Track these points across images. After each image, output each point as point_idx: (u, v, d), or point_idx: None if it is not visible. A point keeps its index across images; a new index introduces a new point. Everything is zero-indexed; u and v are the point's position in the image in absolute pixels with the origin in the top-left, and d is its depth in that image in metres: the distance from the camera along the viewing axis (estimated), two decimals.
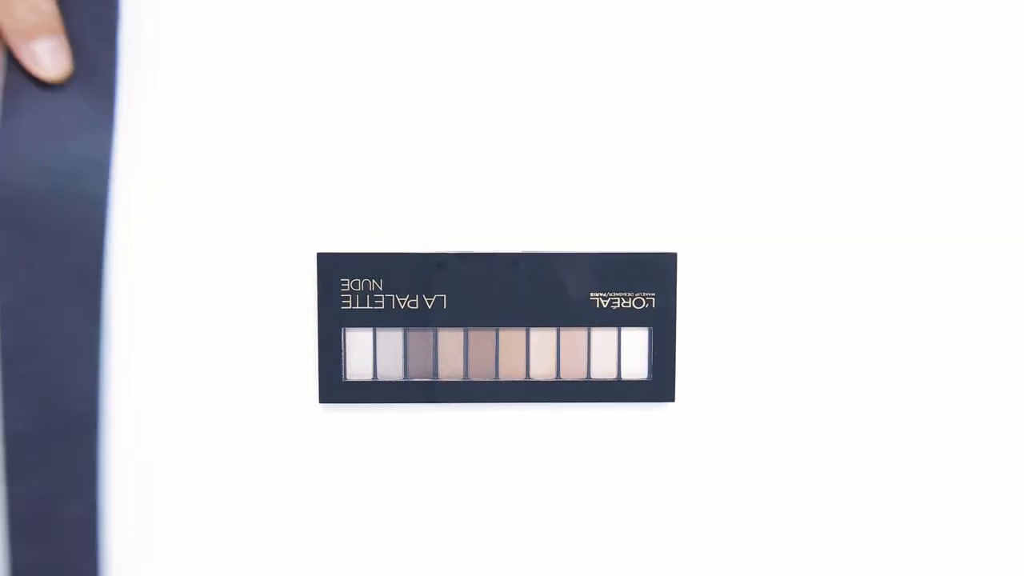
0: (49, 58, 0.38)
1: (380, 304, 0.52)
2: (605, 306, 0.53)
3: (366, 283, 0.52)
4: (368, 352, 0.53)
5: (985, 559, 0.55)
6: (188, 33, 0.51)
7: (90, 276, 0.41)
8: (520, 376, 0.53)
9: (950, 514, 0.55)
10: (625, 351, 0.53)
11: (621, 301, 0.53)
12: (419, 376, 0.53)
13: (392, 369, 0.53)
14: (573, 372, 0.53)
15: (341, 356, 0.52)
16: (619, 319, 0.53)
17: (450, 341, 0.53)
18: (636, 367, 0.53)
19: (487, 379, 0.53)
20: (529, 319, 0.53)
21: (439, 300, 0.52)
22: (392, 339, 0.53)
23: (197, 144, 0.52)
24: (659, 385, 0.53)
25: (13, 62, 0.40)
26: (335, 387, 0.53)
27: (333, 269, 0.52)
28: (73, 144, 0.40)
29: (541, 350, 0.53)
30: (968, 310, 0.54)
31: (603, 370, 0.53)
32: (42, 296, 0.41)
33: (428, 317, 0.52)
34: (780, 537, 0.55)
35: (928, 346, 0.54)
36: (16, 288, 0.41)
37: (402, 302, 0.52)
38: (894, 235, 0.54)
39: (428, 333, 0.53)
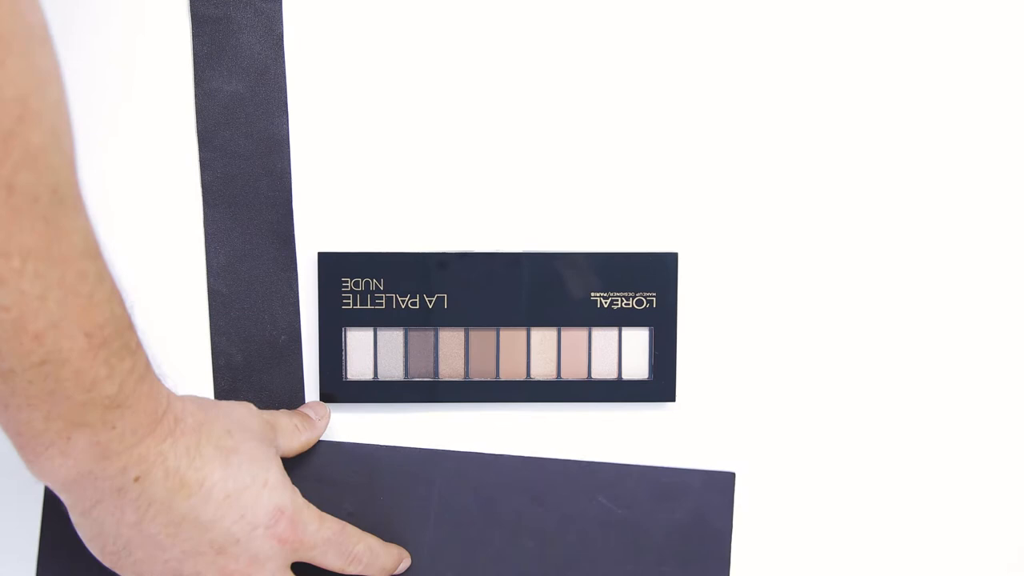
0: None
1: (381, 304, 0.52)
2: (606, 306, 0.53)
3: (367, 283, 0.52)
4: (369, 352, 0.53)
5: (986, 558, 0.55)
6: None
7: (282, 233, 0.52)
8: (521, 376, 0.53)
9: (950, 516, 0.55)
10: (626, 351, 0.53)
11: (622, 301, 0.53)
12: (420, 376, 0.53)
13: (393, 369, 0.53)
14: (574, 372, 0.53)
15: (342, 356, 0.52)
16: (620, 319, 0.53)
17: (451, 341, 0.53)
18: (637, 367, 0.53)
19: (488, 379, 0.53)
20: (530, 319, 0.53)
21: (440, 300, 0.52)
22: (393, 339, 0.53)
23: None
24: (660, 385, 0.53)
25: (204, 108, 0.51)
26: (336, 387, 0.52)
27: (334, 268, 0.52)
28: (257, 130, 0.51)
29: (542, 350, 0.53)
30: (970, 312, 0.54)
31: (604, 370, 0.53)
32: (246, 253, 0.51)
33: (429, 317, 0.52)
34: (780, 535, 0.55)
35: (929, 343, 0.54)
36: (227, 249, 0.51)
37: (403, 302, 0.52)
38: (895, 235, 0.54)
39: (429, 333, 0.53)
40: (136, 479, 0.40)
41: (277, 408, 0.52)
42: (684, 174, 0.53)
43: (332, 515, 0.48)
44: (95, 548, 0.42)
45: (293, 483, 0.47)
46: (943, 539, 0.55)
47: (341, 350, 0.52)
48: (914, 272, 0.54)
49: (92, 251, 0.37)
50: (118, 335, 0.38)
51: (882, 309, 0.54)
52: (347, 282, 0.52)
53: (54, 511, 0.50)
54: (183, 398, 0.43)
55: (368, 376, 0.53)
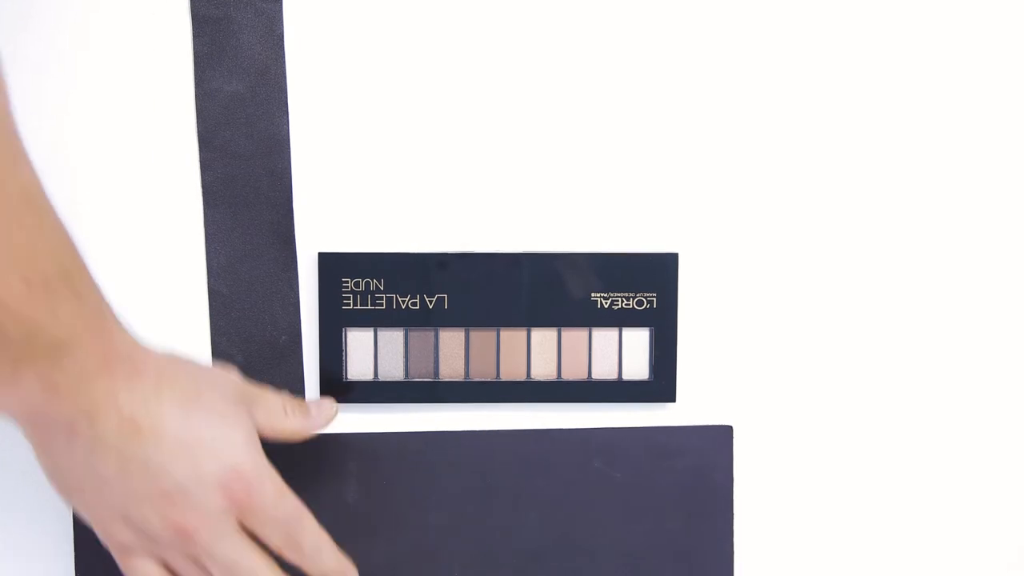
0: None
1: (381, 304, 0.52)
2: (606, 306, 0.53)
3: (367, 283, 0.52)
4: (369, 352, 0.52)
5: (989, 560, 0.55)
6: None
7: (283, 233, 0.52)
8: (521, 376, 0.53)
9: (950, 517, 0.55)
10: (626, 351, 0.53)
11: (622, 301, 0.53)
12: (420, 376, 0.53)
13: (393, 369, 0.53)
14: (574, 372, 0.53)
15: (342, 356, 0.52)
16: (620, 319, 0.53)
17: (451, 341, 0.53)
18: (637, 368, 0.53)
19: (488, 379, 0.53)
20: (530, 319, 0.53)
21: (440, 300, 0.52)
22: (393, 339, 0.52)
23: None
24: (660, 386, 0.53)
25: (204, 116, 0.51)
26: (336, 387, 0.52)
27: (334, 269, 0.52)
28: (258, 130, 0.51)
29: (542, 350, 0.53)
30: (971, 313, 0.54)
31: (604, 370, 0.53)
32: (246, 254, 0.51)
33: (429, 317, 0.52)
34: (781, 537, 0.55)
35: (929, 343, 0.54)
36: (227, 249, 0.51)
37: (403, 302, 0.52)
38: (895, 235, 0.54)
39: (429, 333, 0.53)
40: (88, 420, 0.40)
41: None
42: (684, 174, 0.53)
43: (333, 507, 0.48)
44: (54, 484, 0.43)
45: (294, 477, 0.46)
46: (943, 539, 0.55)
47: (341, 350, 0.52)
48: (914, 268, 0.54)
49: (33, 201, 0.38)
50: (64, 281, 0.39)
51: (882, 309, 0.54)
52: (347, 282, 0.52)
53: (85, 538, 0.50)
54: (154, 350, 0.43)
55: (368, 376, 0.53)
